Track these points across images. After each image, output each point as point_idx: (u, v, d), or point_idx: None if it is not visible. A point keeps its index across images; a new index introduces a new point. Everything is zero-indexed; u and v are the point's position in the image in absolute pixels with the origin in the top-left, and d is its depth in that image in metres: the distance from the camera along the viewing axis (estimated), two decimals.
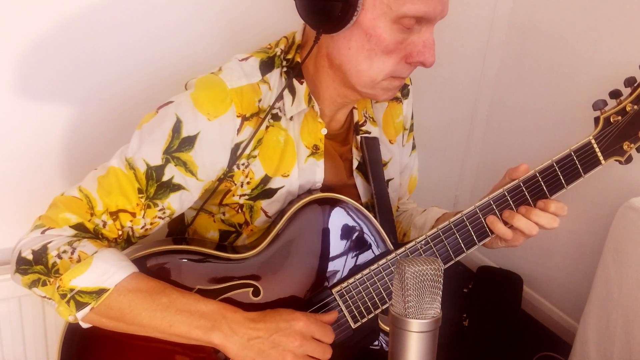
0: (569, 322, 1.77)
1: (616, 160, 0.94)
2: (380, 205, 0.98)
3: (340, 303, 0.90)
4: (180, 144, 0.84)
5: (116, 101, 1.16)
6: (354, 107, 1.00)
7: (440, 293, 0.58)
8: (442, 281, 0.58)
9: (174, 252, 0.88)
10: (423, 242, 0.90)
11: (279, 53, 0.92)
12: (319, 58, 0.90)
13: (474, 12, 1.85)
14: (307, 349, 0.80)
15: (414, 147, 1.17)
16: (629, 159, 0.95)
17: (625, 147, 0.93)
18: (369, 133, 1.01)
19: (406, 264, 0.57)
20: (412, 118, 1.13)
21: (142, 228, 0.87)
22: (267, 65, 0.91)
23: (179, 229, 1.03)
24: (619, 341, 1.36)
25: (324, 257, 0.90)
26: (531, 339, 1.81)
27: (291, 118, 0.92)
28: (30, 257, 0.81)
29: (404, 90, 1.09)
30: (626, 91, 0.94)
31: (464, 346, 1.75)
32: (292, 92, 0.91)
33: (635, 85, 0.93)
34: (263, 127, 0.89)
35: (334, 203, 0.90)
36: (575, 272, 1.74)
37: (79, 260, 0.80)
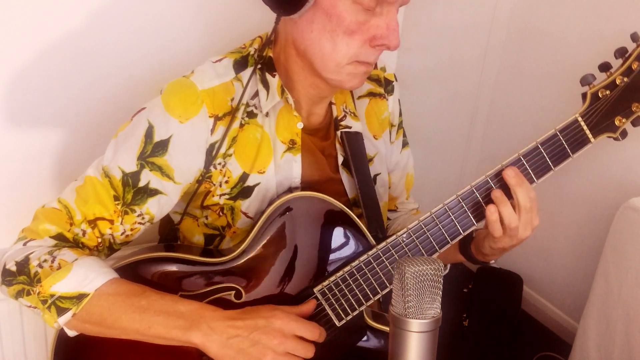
0: (569, 322, 1.77)
1: (609, 137, 0.90)
2: (366, 199, 0.97)
3: (323, 302, 0.90)
4: (153, 149, 0.85)
5: (111, 105, 1.16)
6: (332, 103, 1.00)
7: (440, 293, 0.58)
8: (442, 281, 0.58)
9: (156, 260, 0.89)
10: (405, 236, 0.89)
11: (252, 52, 0.93)
12: (287, 47, 0.90)
13: (474, 12, 1.85)
14: (288, 346, 0.79)
15: (405, 145, 1.16)
16: (624, 134, 0.90)
17: (617, 122, 0.88)
18: (350, 128, 1.00)
19: (406, 264, 0.57)
20: (400, 115, 1.12)
21: (122, 234, 0.88)
22: (240, 64, 0.91)
23: (169, 235, 1.03)
24: (619, 341, 1.36)
25: (304, 256, 0.90)
26: (531, 339, 1.81)
27: (267, 114, 0.92)
28: (14, 268, 0.82)
29: (388, 87, 1.09)
30: (617, 63, 0.89)
31: (464, 346, 1.75)
32: (266, 86, 0.91)
33: (626, 55, 0.88)
34: (236, 125, 0.89)
35: (312, 201, 0.89)
36: (575, 272, 1.74)
37: (59, 268, 0.81)
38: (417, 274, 0.56)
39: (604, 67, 0.88)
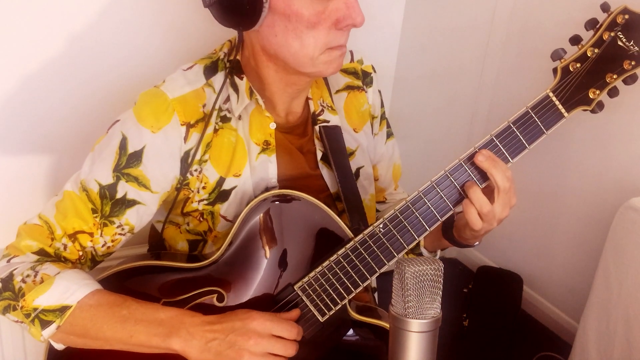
0: (569, 322, 1.77)
1: (584, 110, 0.88)
2: (347, 193, 0.97)
3: (304, 298, 0.89)
4: (127, 160, 0.85)
5: (107, 113, 1.15)
6: (309, 98, 1.00)
7: (440, 293, 0.58)
8: (442, 281, 0.58)
9: (139, 268, 0.90)
10: (381, 226, 0.88)
11: (222, 56, 0.93)
12: (256, 55, 0.90)
13: (474, 13, 1.86)
14: (265, 346, 0.79)
15: (390, 135, 1.15)
16: (600, 106, 0.88)
17: (591, 94, 0.86)
18: (328, 122, 1.00)
19: (406, 264, 0.57)
20: (382, 106, 1.12)
21: (103, 246, 0.88)
22: (210, 70, 0.92)
23: (157, 244, 1.04)
24: (619, 341, 1.36)
25: (283, 254, 0.90)
26: (531, 339, 1.82)
27: (240, 117, 0.92)
28: None
29: (367, 79, 1.08)
30: (587, 35, 0.87)
31: (464, 346, 1.75)
32: (236, 89, 0.92)
33: (597, 26, 0.86)
34: (210, 130, 0.89)
35: (286, 199, 0.89)
36: (575, 272, 1.74)
37: (42, 282, 0.82)
38: (417, 274, 0.56)
39: (575, 40, 0.87)
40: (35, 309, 0.80)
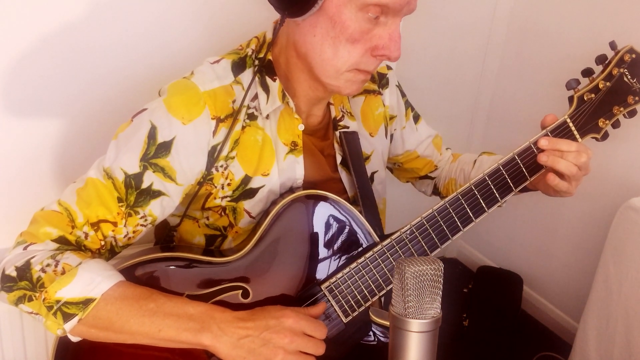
0: (569, 322, 1.77)
1: (593, 138, 0.96)
2: (364, 198, 0.98)
3: (330, 298, 0.90)
4: (156, 150, 0.84)
5: (110, 104, 1.15)
6: (330, 103, 1.01)
7: (440, 293, 0.58)
8: (442, 281, 0.58)
9: (161, 260, 0.88)
10: (408, 232, 0.90)
11: (250, 53, 0.93)
12: (288, 49, 0.90)
13: (474, 11, 1.86)
14: (299, 344, 0.79)
15: (418, 118, 1.18)
16: (605, 136, 0.96)
17: (600, 123, 0.95)
18: (347, 128, 1.01)
19: (406, 264, 0.57)
20: (404, 96, 1.14)
21: (124, 237, 0.87)
22: (238, 66, 0.91)
23: (165, 238, 1.03)
24: (619, 341, 1.36)
25: (311, 254, 0.90)
26: (531, 339, 1.81)
27: (267, 116, 0.92)
28: (14, 273, 0.81)
29: (382, 81, 1.09)
30: (598, 69, 0.95)
31: (464, 346, 1.75)
32: (266, 89, 0.91)
33: (606, 62, 0.94)
34: (238, 127, 0.89)
35: (317, 199, 0.90)
36: (575, 272, 1.74)
37: (63, 272, 0.79)
38: (417, 274, 0.56)
39: (587, 72, 0.95)
40: (57, 301, 0.78)
